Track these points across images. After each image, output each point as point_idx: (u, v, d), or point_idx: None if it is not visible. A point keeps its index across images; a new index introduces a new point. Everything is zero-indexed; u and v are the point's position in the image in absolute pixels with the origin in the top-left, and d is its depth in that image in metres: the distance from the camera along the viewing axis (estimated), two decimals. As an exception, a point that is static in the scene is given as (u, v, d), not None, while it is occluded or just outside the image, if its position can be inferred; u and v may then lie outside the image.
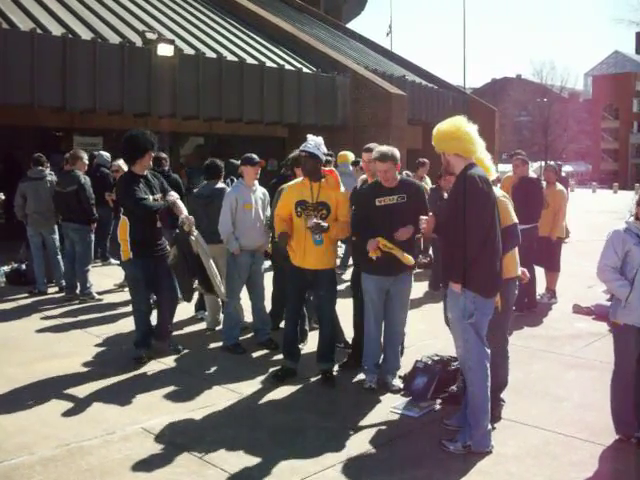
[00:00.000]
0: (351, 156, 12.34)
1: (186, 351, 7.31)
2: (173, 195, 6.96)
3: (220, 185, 7.97)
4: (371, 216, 5.97)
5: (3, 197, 10.02)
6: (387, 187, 5.98)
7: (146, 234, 6.78)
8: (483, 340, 4.89)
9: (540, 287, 9.78)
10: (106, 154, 12.52)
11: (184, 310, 9.01)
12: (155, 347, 7.07)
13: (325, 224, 6.06)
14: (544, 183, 9.82)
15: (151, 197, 6.78)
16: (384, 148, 6.00)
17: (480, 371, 4.87)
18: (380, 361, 6.32)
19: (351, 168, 11.86)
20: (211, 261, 6.97)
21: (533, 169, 10.92)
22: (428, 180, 12.89)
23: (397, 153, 6.01)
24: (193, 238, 6.83)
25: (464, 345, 4.88)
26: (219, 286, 7.03)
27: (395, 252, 5.81)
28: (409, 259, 5.85)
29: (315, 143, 6.17)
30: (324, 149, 6.25)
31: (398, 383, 6.14)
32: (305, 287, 6.55)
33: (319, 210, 6.19)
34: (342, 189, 6.37)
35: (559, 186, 10.10)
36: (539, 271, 9.71)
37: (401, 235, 5.82)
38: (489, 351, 4.94)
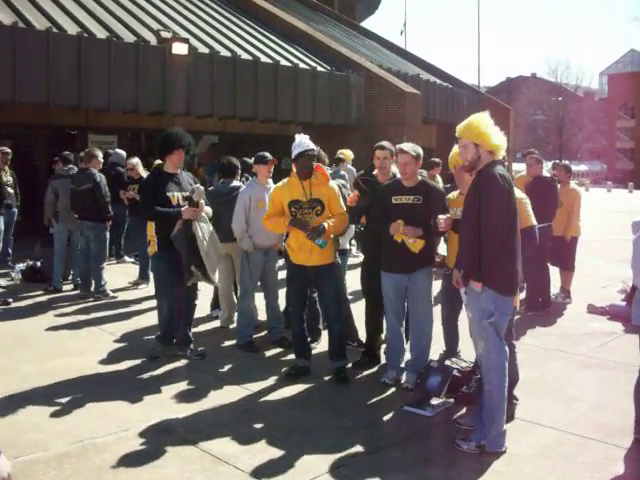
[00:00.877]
0: (351, 155, 12.46)
1: (200, 349, 7.34)
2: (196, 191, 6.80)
3: (236, 183, 8.00)
4: (387, 213, 6.00)
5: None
6: (407, 186, 5.99)
7: (170, 230, 6.69)
8: (502, 340, 4.86)
9: (554, 287, 9.74)
10: (121, 152, 12.55)
11: (199, 309, 9.04)
12: (174, 352, 7.03)
13: (322, 225, 6.10)
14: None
15: (177, 194, 6.77)
16: (409, 143, 6.09)
17: (499, 371, 4.84)
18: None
19: (349, 166, 12.02)
20: (206, 246, 6.74)
21: (547, 168, 10.86)
22: (439, 179, 12.88)
23: (419, 150, 6.05)
24: (198, 220, 6.71)
25: (486, 345, 4.83)
26: (211, 272, 6.81)
27: (405, 240, 5.85)
28: (417, 245, 5.87)
29: (308, 140, 6.20)
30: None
31: (412, 382, 6.10)
32: (307, 285, 6.54)
33: (314, 207, 6.22)
34: (331, 183, 6.38)
35: (572, 185, 10.06)
36: (553, 270, 9.67)
37: (407, 232, 5.83)
38: (508, 351, 4.91)
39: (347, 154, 13.17)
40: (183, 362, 6.88)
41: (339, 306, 6.57)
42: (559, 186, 9.61)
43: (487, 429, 4.83)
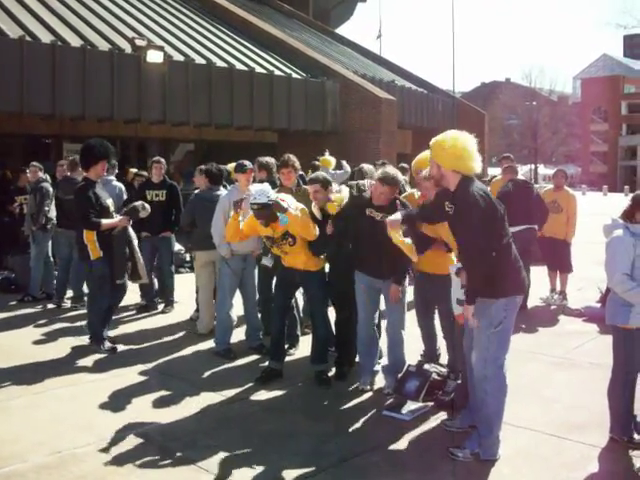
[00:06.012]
0: (332, 160, 12.51)
1: (178, 355, 7.33)
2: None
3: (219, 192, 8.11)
4: (359, 223, 6.05)
5: None
6: (377, 205, 5.99)
7: (108, 236, 7.29)
8: (505, 349, 4.81)
9: (544, 288, 9.96)
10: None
11: (178, 314, 9.02)
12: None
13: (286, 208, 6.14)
14: (550, 185, 10.04)
15: (108, 201, 7.45)
16: (390, 171, 6.01)
17: (497, 381, 4.79)
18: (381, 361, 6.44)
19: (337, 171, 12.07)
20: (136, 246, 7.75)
21: (522, 172, 11.03)
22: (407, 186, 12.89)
23: (400, 177, 6.08)
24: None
25: (485, 354, 4.77)
26: (141, 269, 7.72)
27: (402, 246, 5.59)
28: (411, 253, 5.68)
29: (261, 192, 6.03)
30: (271, 193, 6.09)
31: (391, 386, 6.12)
32: (292, 287, 6.65)
33: (286, 240, 6.25)
34: (294, 213, 6.21)
35: (569, 190, 10.25)
36: (543, 272, 9.82)
37: (392, 297, 5.97)
38: (507, 361, 4.89)
39: (328, 160, 13.16)
40: (161, 370, 6.87)
41: (325, 311, 6.64)
42: (554, 191, 9.86)
43: (483, 438, 4.81)
